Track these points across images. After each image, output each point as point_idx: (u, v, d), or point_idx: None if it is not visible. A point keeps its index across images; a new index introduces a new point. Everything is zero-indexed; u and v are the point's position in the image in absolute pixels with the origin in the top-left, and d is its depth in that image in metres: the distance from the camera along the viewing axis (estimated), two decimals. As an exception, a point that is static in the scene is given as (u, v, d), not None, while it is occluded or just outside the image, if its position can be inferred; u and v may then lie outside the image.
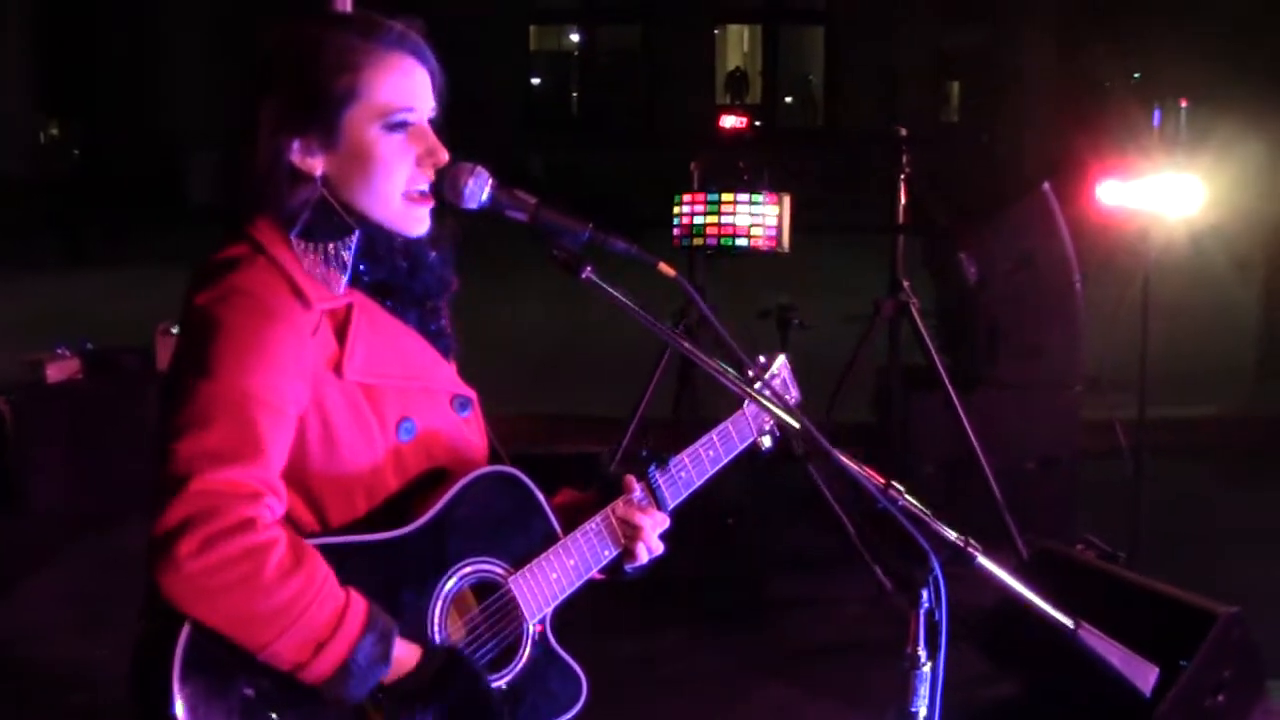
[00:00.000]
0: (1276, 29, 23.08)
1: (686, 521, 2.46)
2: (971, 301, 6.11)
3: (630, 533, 2.29)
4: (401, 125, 2.09)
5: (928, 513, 2.15)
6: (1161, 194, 5.23)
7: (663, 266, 2.13)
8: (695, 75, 23.62)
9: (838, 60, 23.82)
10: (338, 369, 2.03)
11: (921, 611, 2.18)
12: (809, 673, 4.94)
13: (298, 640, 1.85)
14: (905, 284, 5.54)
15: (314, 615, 1.85)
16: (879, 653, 5.08)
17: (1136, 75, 29.63)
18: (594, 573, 2.26)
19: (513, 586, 2.15)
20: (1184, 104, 24.26)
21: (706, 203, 5.27)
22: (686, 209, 5.34)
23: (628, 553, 2.30)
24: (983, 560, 2.17)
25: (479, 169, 2.10)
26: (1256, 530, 6.55)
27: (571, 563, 2.22)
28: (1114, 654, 2.23)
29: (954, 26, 23.91)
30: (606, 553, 2.27)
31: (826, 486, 5.70)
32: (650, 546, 2.32)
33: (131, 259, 15.98)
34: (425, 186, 2.11)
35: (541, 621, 2.19)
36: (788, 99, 25.87)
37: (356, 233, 2.08)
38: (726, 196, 5.24)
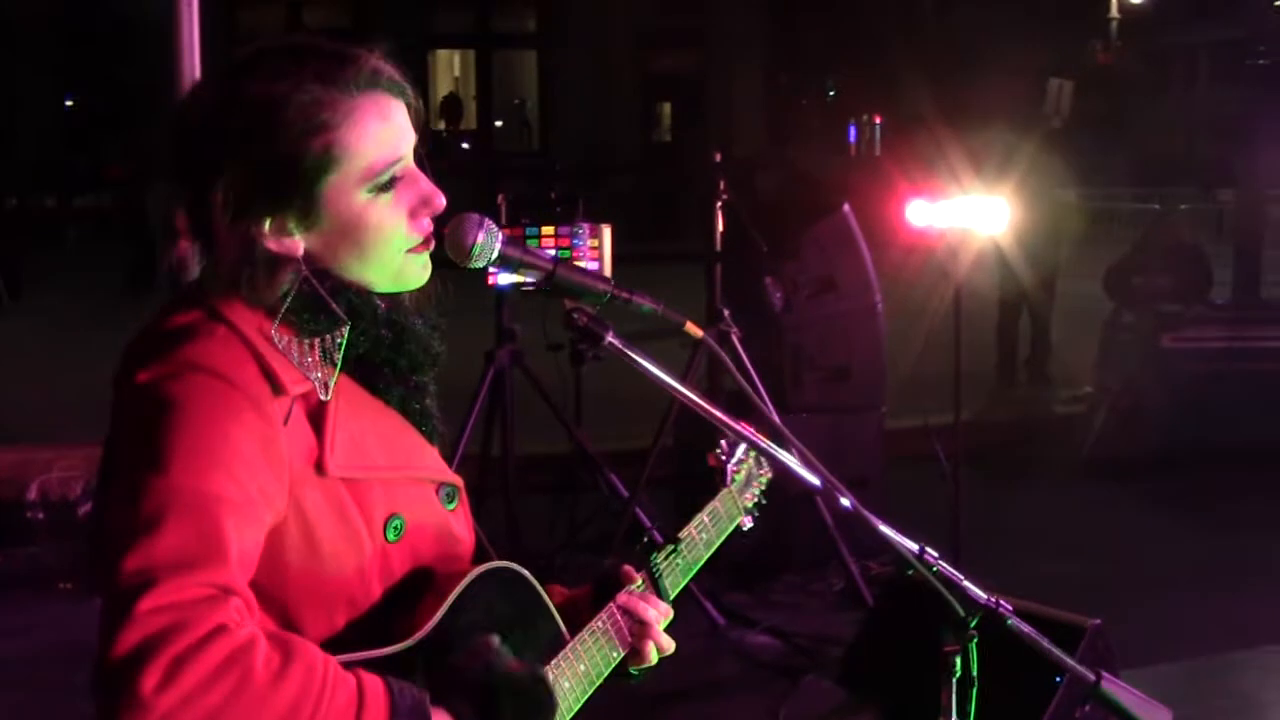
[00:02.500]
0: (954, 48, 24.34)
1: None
2: (776, 326, 6.08)
3: (638, 630, 2.03)
4: (391, 182, 1.77)
5: (960, 576, 2.02)
6: (970, 213, 5.30)
7: (690, 326, 1.94)
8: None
9: (551, 83, 23.87)
10: (319, 465, 1.71)
11: (954, 681, 2.05)
12: (661, 717, 4.81)
13: None
14: (725, 313, 5.47)
15: (328, 709, 1.54)
16: (726, 690, 5.03)
17: (831, 93, 30.79)
18: (603, 679, 2.01)
19: None
20: (878, 120, 25.34)
21: (525, 237, 5.04)
22: (502, 244, 5.09)
23: (635, 653, 2.04)
24: (1014, 621, 2.05)
25: (487, 221, 1.82)
26: (1031, 529, 6.88)
27: (583, 669, 1.94)
28: (1131, 701, 2.16)
29: (664, 49, 24.30)
30: (614, 655, 2.01)
31: (651, 522, 5.58)
32: (661, 644, 2.06)
33: None
34: (421, 236, 1.82)
35: None
36: (498, 123, 25.79)
37: (348, 324, 1.78)
38: (547, 230, 5.04)
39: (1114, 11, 30.42)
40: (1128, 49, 31.55)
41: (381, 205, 1.78)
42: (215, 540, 1.56)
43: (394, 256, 1.81)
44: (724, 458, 2.38)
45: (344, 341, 1.78)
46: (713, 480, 2.39)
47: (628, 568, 2.09)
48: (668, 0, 23.50)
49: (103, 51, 20.16)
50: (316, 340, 1.75)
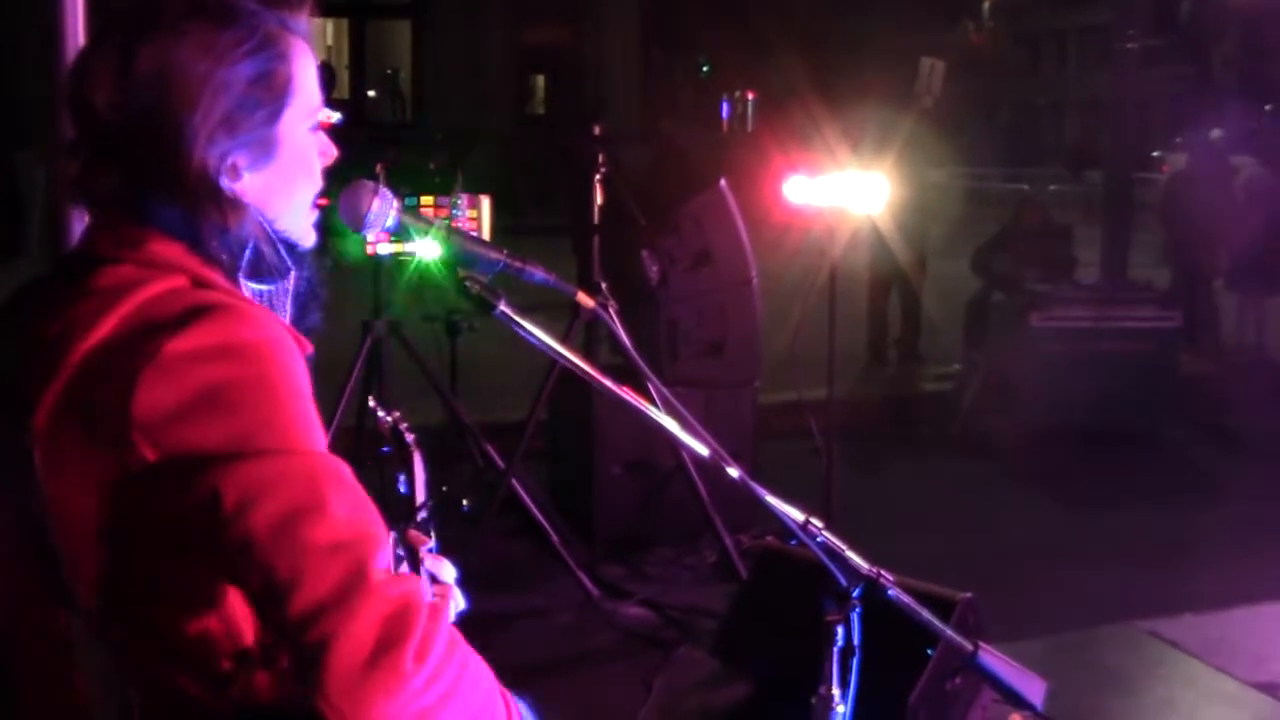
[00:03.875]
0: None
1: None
2: (652, 300, 6.07)
3: (440, 590, 2.05)
4: (316, 124, 1.76)
5: (843, 547, 2.03)
6: (847, 191, 5.34)
7: (581, 297, 1.93)
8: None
9: (425, 54, 23.61)
10: None
11: (836, 650, 2.06)
12: (531, 691, 4.77)
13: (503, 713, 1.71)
14: (603, 285, 5.45)
15: (490, 682, 1.68)
16: (599, 661, 5.02)
17: (705, 69, 30.91)
18: None
19: None
20: (751, 96, 25.52)
21: (404, 209, 4.95)
22: (379, 214, 5.03)
23: None
24: (895, 591, 2.07)
25: (382, 188, 1.82)
26: (900, 504, 7.01)
27: None
28: (1007, 671, 2.19)
29: (538, 21, 24.17)
30: None
31: (526, 491, 5.56)
32: (459, 602, 2.10)
33: None
34: (319, 186, 1.80)
35: None
36: (371, 93, 25.49)
37: (294, 272, 1.76)
38: (426, 199, 4.98)
39: (986, -8, 30.95)
40: (1000, 31, 32.13)
41: (313, 146, 1.77)
42: (368, 506, 1.57)
43: (306, 207, 1.78)
44: (390, 420, 2.34)
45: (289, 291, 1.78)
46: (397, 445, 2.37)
47: (413, 531, 2.09)
48: (543, -27, 23.42)
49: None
50: (275, 291, 1.75)
